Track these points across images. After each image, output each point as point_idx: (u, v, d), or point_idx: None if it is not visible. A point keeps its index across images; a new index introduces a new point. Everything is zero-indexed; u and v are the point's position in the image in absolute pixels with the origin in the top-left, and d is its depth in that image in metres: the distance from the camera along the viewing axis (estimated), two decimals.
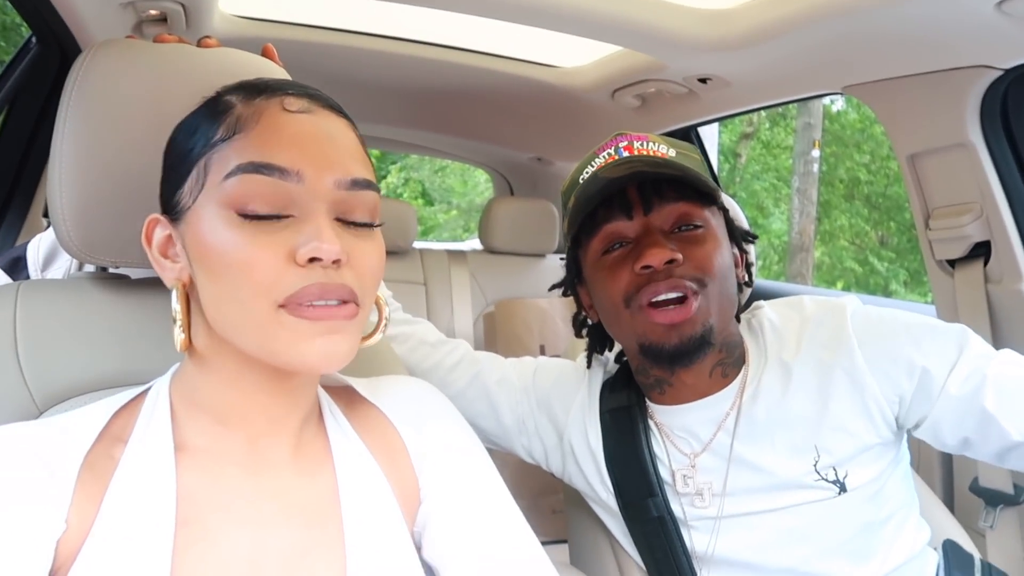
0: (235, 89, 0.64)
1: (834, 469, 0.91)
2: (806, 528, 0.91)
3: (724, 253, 0.94)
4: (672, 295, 0.89)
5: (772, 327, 0.99)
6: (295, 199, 0.58)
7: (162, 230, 0.64)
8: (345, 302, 0.58)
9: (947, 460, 1.54)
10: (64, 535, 0.56)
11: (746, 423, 0.94)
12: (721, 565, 0.96)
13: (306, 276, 0.56)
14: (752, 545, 0.93)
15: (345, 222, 0.60)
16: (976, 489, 1.41)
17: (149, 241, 0.64)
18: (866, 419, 0.91)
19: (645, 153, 0.94)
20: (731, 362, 0.97)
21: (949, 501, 1.51)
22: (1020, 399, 0.85)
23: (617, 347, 1.09)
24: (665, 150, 0.95)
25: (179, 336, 0.62)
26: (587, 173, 0.96)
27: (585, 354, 1.10)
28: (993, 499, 1.38)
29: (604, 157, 0.95)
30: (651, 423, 1.01)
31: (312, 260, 0.56)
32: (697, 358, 0.92)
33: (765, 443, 0.93)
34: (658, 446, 1.00)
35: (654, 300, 0.89)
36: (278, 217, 0.58)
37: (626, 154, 0.94)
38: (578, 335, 1.10)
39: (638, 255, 0.90)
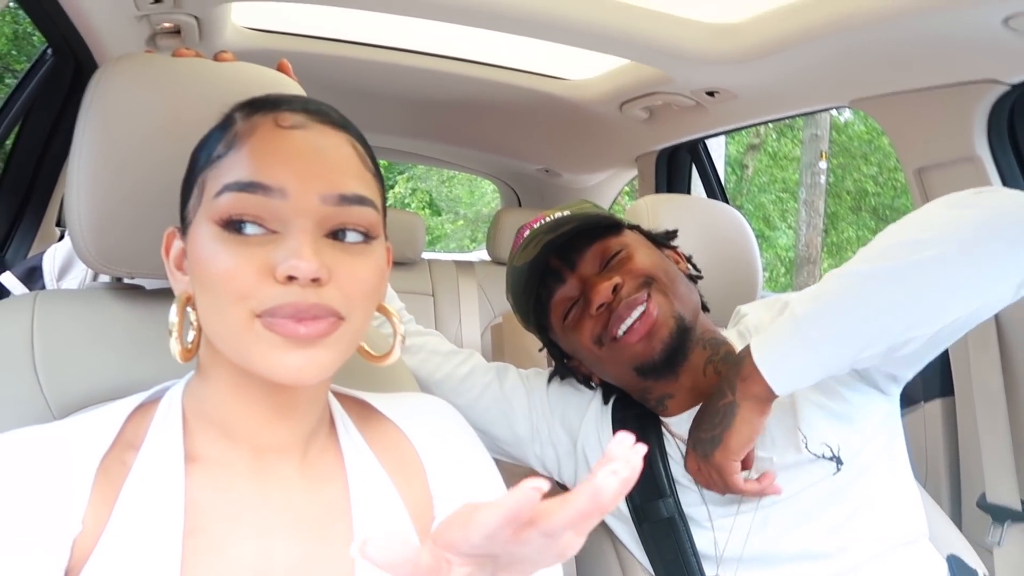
0: (242, 105, 0.65)
1: (827, 446, 0.94)
2: (811, 509, 0.94)
3: (655, 256, 1.02)
4: (635, 314, 0.94)
5: (757, 330, 1.04)
6: (279, 216, 0.58)
7: (178, 243, 0.65)
8: (320, 318, 0.57)
9: (955, 476, 1.54)
10: (80, 535, 0.56)
11: None
12: (736, 561, 0.97)
13: (283, 293, 0.56)
14: (768, 536, 0.95)
15: (336, 238, 0.60)
16: (983, 505, 1.41)
17: (168, 253, 0.66)
18: (820, 388, 0.95)
19: (541, 222, 1.03)
20: (719, 359, 1.01)
21: (957, 517, 1.51)
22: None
23: None
24: (558, 214, 1.04)
25: (175, 347, 0.62)
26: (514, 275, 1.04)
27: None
28: (1000, 515, 1.38)
29: (516, 256, 1.03)
30: (665, 432, 1.04)
31: (291, 278, 0.56)
32: (688, 348, 0.97)
33: (765, 436, 0.95)
34: (673, 449, 1.02)
35: (621, 331, 0.94)
36: (263, 233, 0.58)
37: (527, 235, 1.03)
38: (606, 402, 1.12)
39: (587, 302, 0.97)
